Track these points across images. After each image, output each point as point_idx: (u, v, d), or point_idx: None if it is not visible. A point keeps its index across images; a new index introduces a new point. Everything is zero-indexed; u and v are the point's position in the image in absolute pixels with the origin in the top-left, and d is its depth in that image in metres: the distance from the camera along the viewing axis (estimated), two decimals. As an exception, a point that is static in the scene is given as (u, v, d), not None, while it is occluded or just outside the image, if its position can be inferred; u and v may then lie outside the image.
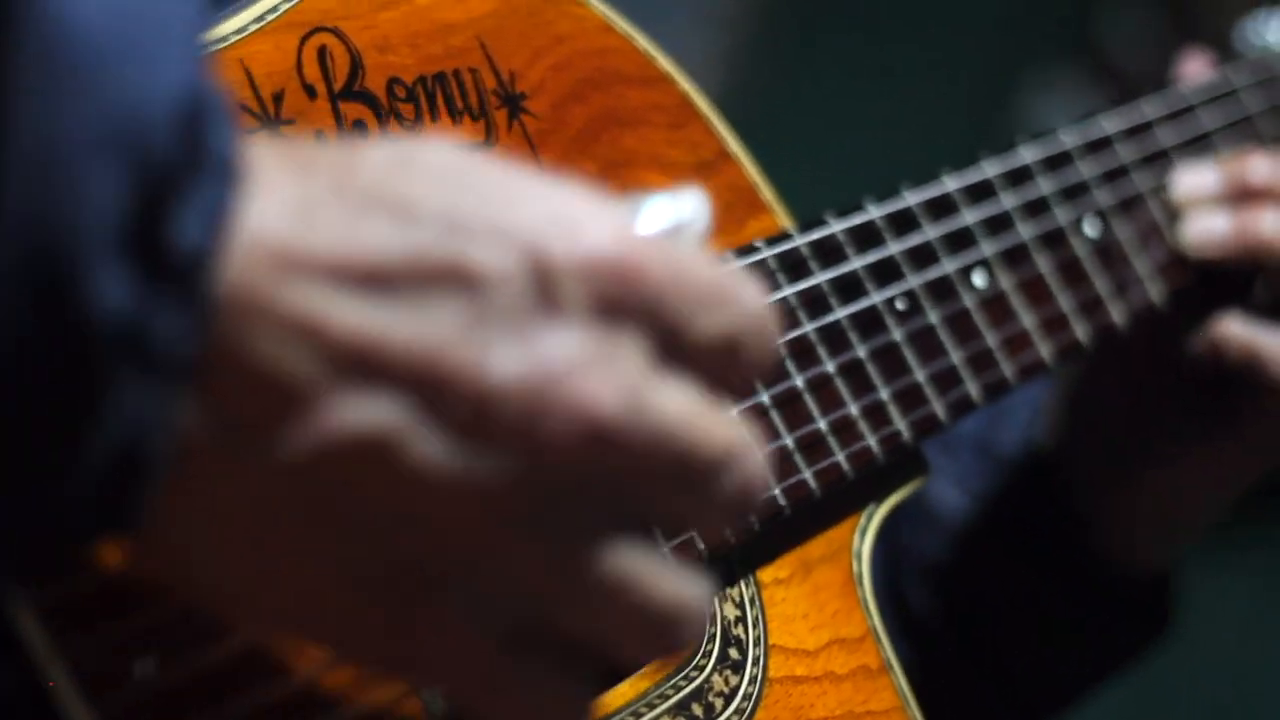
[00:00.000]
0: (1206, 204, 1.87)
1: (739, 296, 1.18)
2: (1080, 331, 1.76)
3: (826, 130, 4.41)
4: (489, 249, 1.12)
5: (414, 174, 1.13)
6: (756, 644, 1.50)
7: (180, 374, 1.07)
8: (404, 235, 1.11)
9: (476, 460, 1.10)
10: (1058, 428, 1.98)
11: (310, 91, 1.40)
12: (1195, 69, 1.97)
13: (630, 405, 1.12)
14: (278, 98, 1.38)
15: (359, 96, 1.42)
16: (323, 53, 1.41)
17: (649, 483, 1.14)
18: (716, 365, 1.17)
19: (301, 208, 1.11)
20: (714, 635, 1.48)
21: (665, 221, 1.21)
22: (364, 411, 1.09)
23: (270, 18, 1.39)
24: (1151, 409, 1.93)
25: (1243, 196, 1.87)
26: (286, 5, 1.40)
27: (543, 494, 1.12)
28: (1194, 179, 1.87)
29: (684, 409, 1.14)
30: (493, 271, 1.12)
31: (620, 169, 1.54)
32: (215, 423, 1.09)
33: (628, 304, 1.14)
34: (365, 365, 1.10)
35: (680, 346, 1.16)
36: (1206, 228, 1.86)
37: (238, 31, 1.38)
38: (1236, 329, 1.86)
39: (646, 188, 1.54)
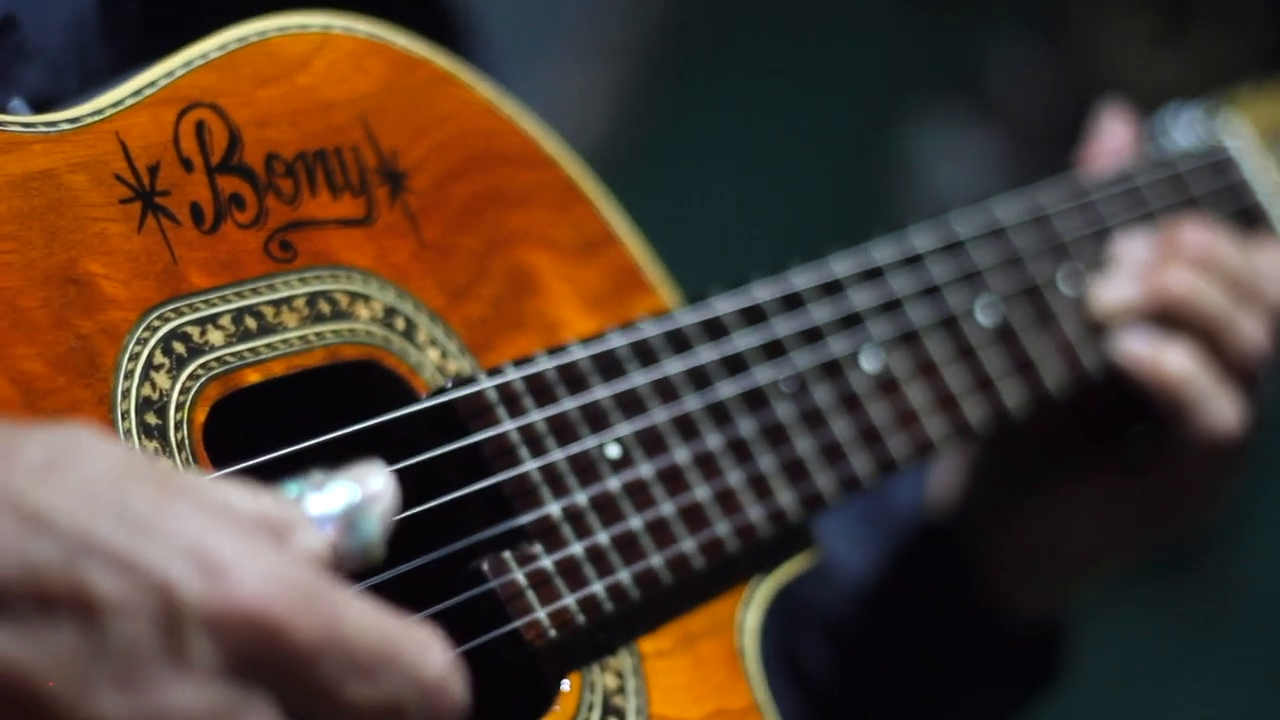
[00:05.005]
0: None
1: (408, 662, 1.12)
2: (972, 414, 1.77)
3: (710, 161, 4.46)
4: (117, 580, 1.07)
5: (59, 482, 1.09)
6: (638, 713, 1.51)
7: None
8: (25, 550, 1.07)
9: None
10: (950, 479, 2.00)
11: (187, 164, 1.43)
12: (1115, 130, 1.99)
13: None
14: (153, 170, 1.41)
15: (236, 170, 1.45)
16: (200, 127, 1.44)
17: None
18: None
19: None
20: (593, 704, 1.49)
21: (340, 505, 1.17)
22: None
23: (148, 92, 1.43)
24: (1049, 453, 1.94)
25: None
26: (165, 80, 1.44)
27: None
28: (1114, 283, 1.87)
29: None
30: (116, 606, 1.07)
31: (503, 247, 1.56)
32: None
33: (264, 664, 1.09)
34: None
35: (326, 713, 1.10)
36: (1116, 293, 1.86)
37: (114, 105, 1.41)
38: (1175, 361, 1.84)
39: (531, 270, 1.56)
